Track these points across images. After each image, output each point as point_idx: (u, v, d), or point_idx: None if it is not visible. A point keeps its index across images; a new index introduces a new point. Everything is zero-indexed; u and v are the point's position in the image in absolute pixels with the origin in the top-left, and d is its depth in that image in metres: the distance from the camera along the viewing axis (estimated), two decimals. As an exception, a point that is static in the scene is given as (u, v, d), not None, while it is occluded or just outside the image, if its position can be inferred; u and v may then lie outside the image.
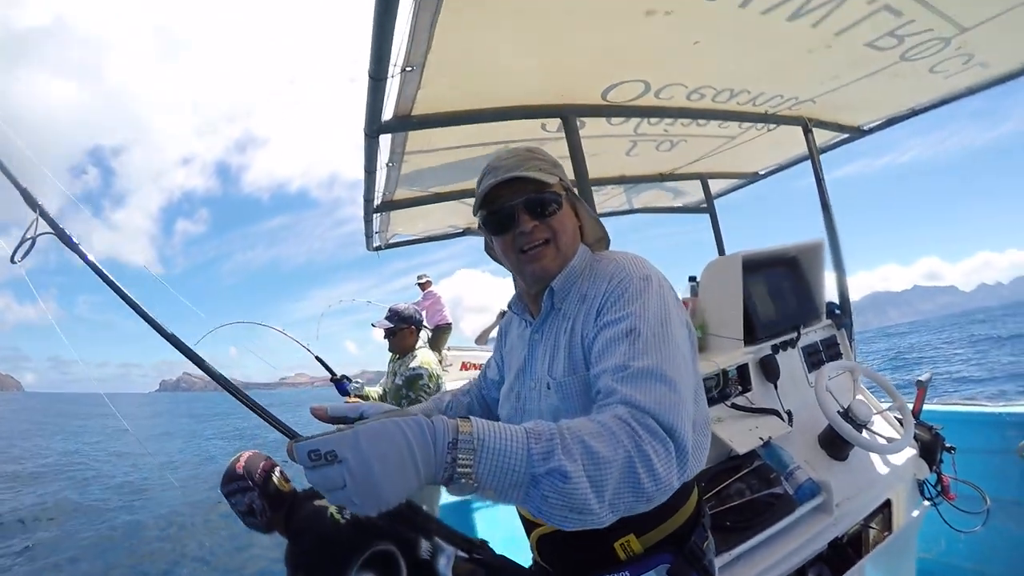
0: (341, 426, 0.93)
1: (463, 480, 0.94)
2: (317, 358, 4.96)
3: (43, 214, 1.63)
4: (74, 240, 1.64)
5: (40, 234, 1.64)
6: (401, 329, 4.48)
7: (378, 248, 5.39)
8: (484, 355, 9.29)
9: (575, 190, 1.62)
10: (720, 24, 2.60)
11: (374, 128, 2.76)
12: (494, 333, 7.93)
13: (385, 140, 3.05)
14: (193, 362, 1.58)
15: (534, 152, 1.60)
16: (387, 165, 3.37)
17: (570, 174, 2.92)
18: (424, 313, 9.99)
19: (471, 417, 1.00)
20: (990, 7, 2.88)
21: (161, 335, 1.60)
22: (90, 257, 1.61)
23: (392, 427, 0.93)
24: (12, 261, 1.62)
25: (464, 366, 9.52)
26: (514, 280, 1.74)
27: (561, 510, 0.99)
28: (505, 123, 3.12)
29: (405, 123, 2.85)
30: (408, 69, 2.37)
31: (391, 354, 4.66)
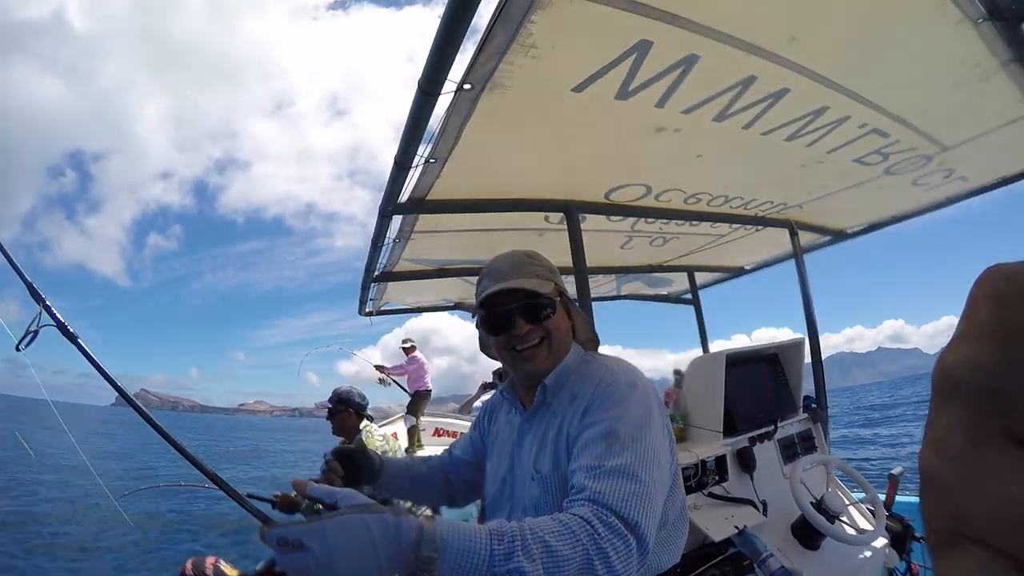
0: (313, 516, 1.01)
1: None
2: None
3: (47, 308, 1.71)
4: (74, 332, 1.71)
5: (44, 325, 1.71)
6: (339, 411, 4.40)
7: (370, 314, 5.44)
8: (457, 423, 9.38)
9: (567, 292, 1.72)
10: (723, 141, 2.77)
11: (389, 209, 2.87)
12: (477, 403, 7.94)
13: (395, 217, 3.16)
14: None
15: (532, 258, 1.71)
16: (393, 241, 3.47)
17: (568, 262, 3.08)
18: (407, 378, 9.96)
19: (436, 517, 1.06)
20: (970, 129, 3.07)
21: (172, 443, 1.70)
22: (89, 351, 1.66)
23: (359, 523, 0.99)
24: (17, 349, 1.72)
25: (437, 432, 9.50)
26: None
27: None
28: (510, 214, 3.26)
29: (419, 206, 2.97)
30: (431, 161, 2.50)
31: (338, 437, 4.60)
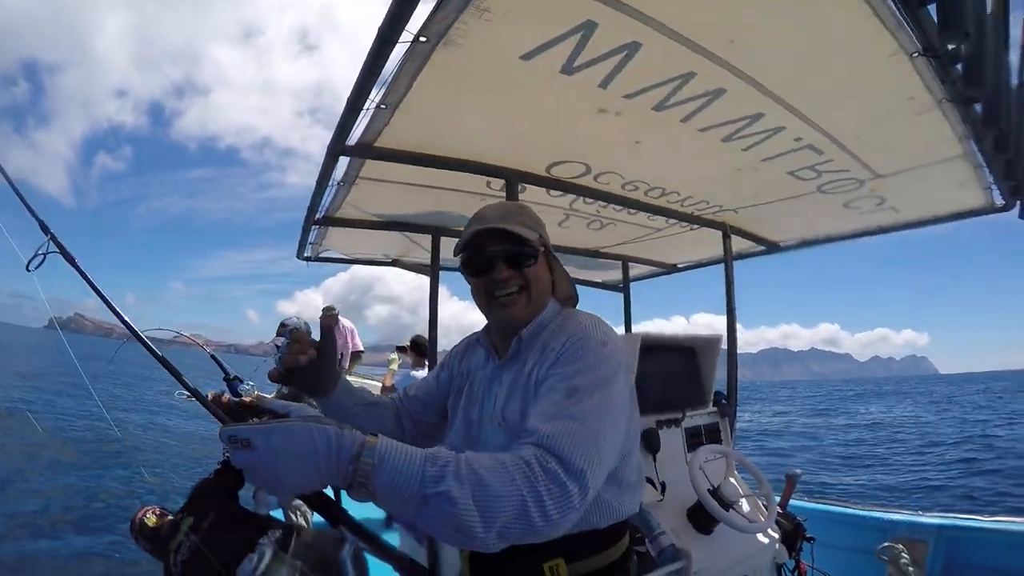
0: (267, 417, 1.12)
1: (361, 489, 1.08)
2: (213, 357, 4.89)
3: (54, 239, 1.93)
4: (77, 261, 1.91)
5: (50, 252, 1.93)
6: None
7: (308, 259, 5.37)
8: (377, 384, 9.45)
9: (551, 247, 1.76)
10: (661, 132, 2.86)
11: (337, 150, 2.91)
12: (388, 381, 7.89)
13: (341, 164, 3.21)
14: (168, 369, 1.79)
15: (522, 209, 1.77)
16: (338, 184, 3.51)
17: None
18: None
19: (380, 435, 1.13)
20: (902, 161, 3.20)
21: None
22: (92, 279, 1.85)
23: (304, 431, 1.07)
24: (27, 269, 1.90)
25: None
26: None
27: (447, 528, 1.11)
28: (453, 174, 3.32)
29: (366, 151, 3.01)
30: (382, 107, 2.55)
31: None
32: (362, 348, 10.01)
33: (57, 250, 1.92)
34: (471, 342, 1.98)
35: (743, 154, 3.11)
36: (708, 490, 2.93)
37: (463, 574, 1.74)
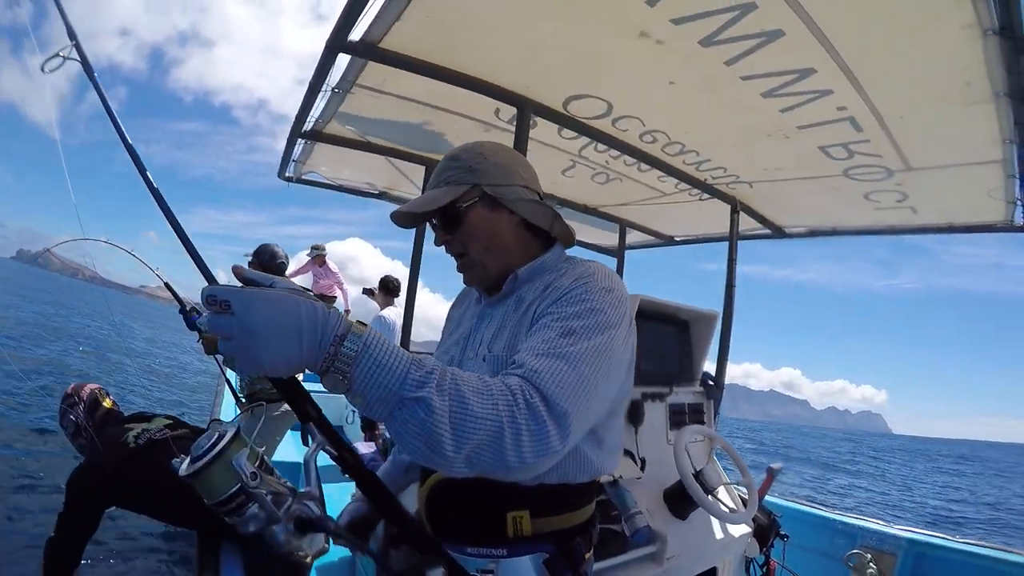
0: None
1: (338, 376, 0.97)
2: (166, 285, 4.68)
3: (78, 47, 1.91)
4: (96, 76, 1.91)
5: (69, 58, 1.94)
6: (251, 263, 4.67)
7: (289, 179, 5.11)
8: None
9: (504, 186, 1.59)
10: (700, 74, 2.64)
11: (338, 43, 2.64)
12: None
13: (339, 66, 2.94)
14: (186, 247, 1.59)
15: (453, 159, 1.62)
16: (333, 90, 3.23)
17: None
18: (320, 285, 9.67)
19: (368, 324, 1.03)
20: (938, 155, 3.05)
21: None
22: (104, 93, 1.88)
23: (291, 301, 0.96)
24: (42, 70, 1.94)
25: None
26: None
27: (416, 439, 1.01)
28: (459, 95, 3.07)
29: (369, 51, 2.73)
30: None
31: None
32: (348, 308, 9.83)
33: (78, 59, 1.89)
34: (465, 290, 1.91)
35: (779, 116, 2.89)
36: (692, 473, 2.80)
37: (418, 515, 1.65)
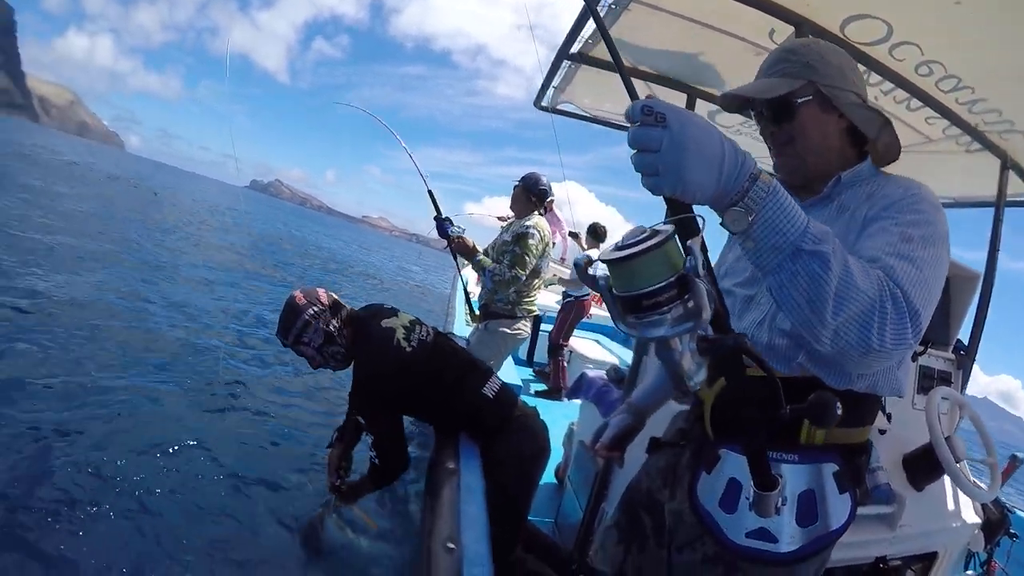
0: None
1: (741, 212, 1.06)
2: (429, 192, 5.07)
3: None
4: None
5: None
6: (516, 186, 5.12)
7: (545, 108, 5.20)
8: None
9: (839, 88, 1.61)
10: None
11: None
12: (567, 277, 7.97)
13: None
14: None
15: (791, 52, 1.66)
16: (610, 6, 3.27)
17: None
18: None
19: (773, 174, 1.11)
20: None
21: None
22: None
23: (717, 132, 1.05)
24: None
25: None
26: None
27: (800, 295, 1.09)
28: (733, 11, 3.05)
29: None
30: None
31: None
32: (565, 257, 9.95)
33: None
34: None
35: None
36: (944, 438, 2.67)
37: (695, 417, 1.74)
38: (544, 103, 5.18)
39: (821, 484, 1.47)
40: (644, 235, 1.03)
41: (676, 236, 1.04)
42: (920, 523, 2.75)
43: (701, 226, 1.06)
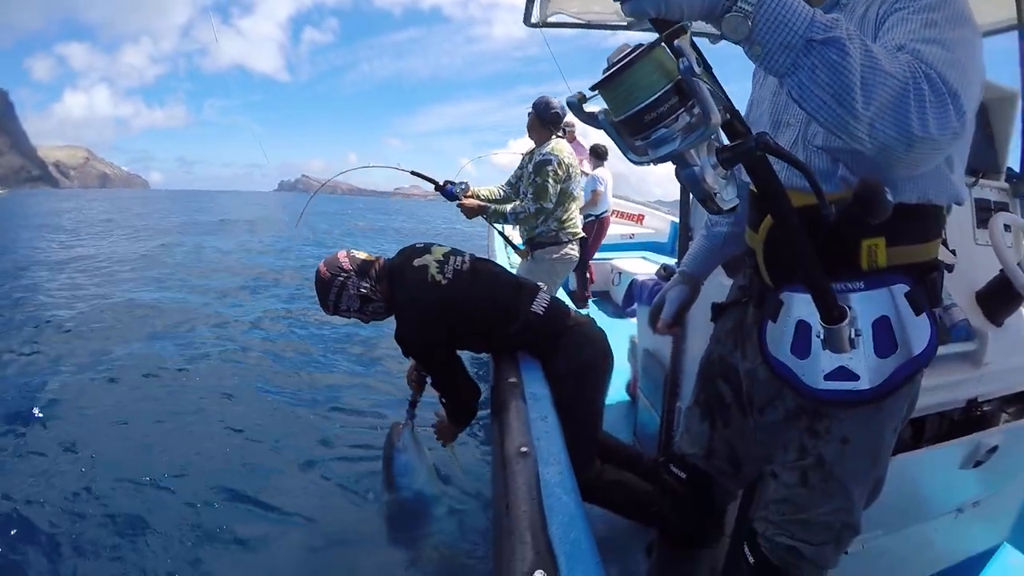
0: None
1: (739, 16, 0.94)
2: (413, 172, 4.96)
3: None
4: None
5: None
6: (530, 114, 4.84)
7: (535, 25, 4.85)
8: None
9: None
10: None
11: None
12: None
13: None
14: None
15: None
16: None
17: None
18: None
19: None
20: None
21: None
22: None
23: None
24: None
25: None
26: None
27: (824, 90, 0.98)
28: None
29: None
30: None
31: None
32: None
33: None
34: None
35: None
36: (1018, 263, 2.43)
37: (750, 265, 1.63)
38: (534, 20, 4.94)
39: (895, 308, 1.34)
40: (629, 50, 0.95)
41: (664, 44, 0.94)
42: (1006, 359, 2.52)
43: (688, 28, 0.95)
